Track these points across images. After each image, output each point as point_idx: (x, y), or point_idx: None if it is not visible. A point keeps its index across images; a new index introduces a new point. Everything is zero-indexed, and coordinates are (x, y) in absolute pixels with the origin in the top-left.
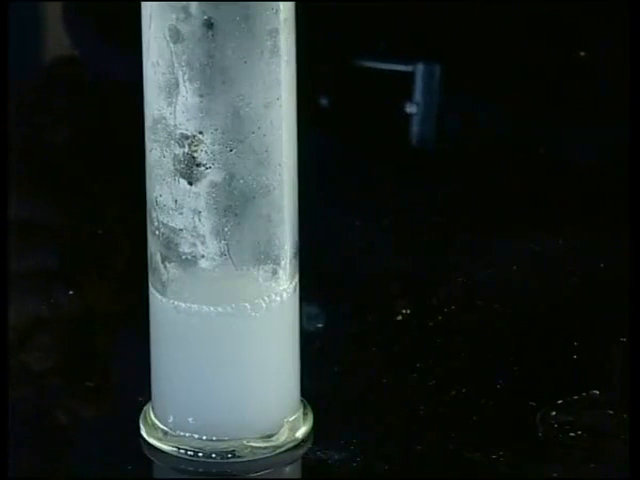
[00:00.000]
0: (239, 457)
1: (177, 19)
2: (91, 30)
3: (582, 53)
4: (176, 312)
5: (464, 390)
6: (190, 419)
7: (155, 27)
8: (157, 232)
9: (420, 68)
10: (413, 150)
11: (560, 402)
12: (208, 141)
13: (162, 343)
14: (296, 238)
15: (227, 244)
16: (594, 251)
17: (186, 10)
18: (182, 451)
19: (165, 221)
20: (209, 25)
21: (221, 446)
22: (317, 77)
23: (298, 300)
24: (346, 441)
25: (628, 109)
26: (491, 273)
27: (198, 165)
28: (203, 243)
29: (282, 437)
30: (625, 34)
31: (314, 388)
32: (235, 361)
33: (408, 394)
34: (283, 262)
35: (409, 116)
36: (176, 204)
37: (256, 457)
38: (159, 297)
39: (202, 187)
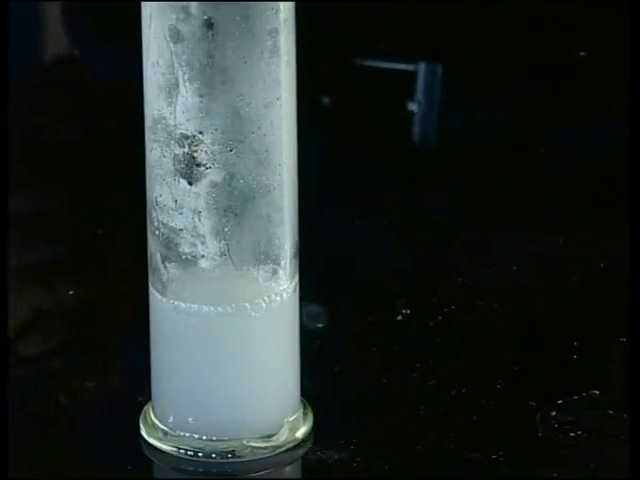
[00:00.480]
0: (239, 457)
1: (177, 19)
2: (90, 30)
3: (582, 53)
4: (176, 312)
5: (464, 390)
6: (190, 419)
7: (155, 27)
8: (157, 232)
9: (422, 67)
10: (413, 150)
11: (560, 402)
12: (208, 141)
13: (162, 343)
14: (296, 238)
15: (227, 244)
16: (594, 251)
17: (186, 10)
18: (182, 451)
19: (165, 221)
20: (209, 25)
21: (221, 446)
22: (319, 76)
23: (298, 300)
24: (346, 441)
25: (628, 109)
26: (491, 273)
27: (198, 165)
28: (203, 243)
29: (282, 437)
30: (625, 34)
31: (314, 388)
32: (235, 361)
33: (408, 394)
34: (283, 262)
35: (411, 115)
36: (176, 204)
37: (256, 457)
38: (159, 297)
39: (202, 187)
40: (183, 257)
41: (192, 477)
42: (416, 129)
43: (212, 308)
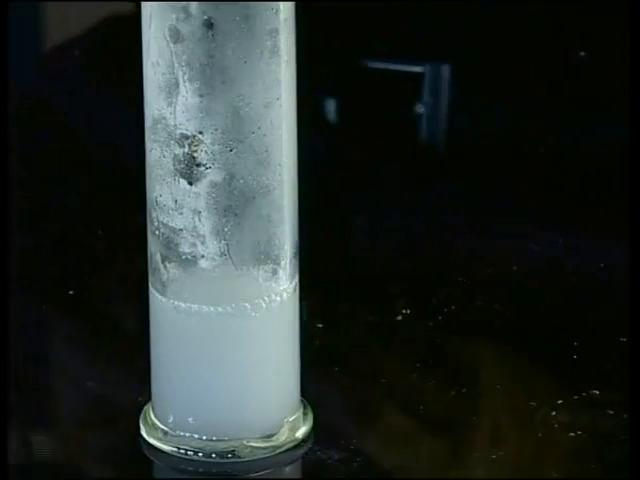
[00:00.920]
0: (239, 457)
1: (177, 19)
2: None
3: (582, 53)
4: (176, 312)
5: (464, 390)
6: (190, 419)
7: (155, 27)
8: (157, 232)
9: (429, 69)
10: (413, 150)
11: (560, 402)
12: (208, 141)
13: (162, 343)
14: (296, 238)
15: (227, 244)
16: (594, 251)
17: (186, 10)
18: (182, 451)
19: (165, 221)
20: (209, 25)
21: (221, 446)
22: (325, 78)
23: (298, 300)
24: (346, 441)
25: (628, 109)
26: (491, 273)
27: (198, 165)
28: (203, 243)
29: (282, 437)
30: (625, 34)
31: (314, 388)
32: (235, 361)
33: (408, 394)
34: (283, 262)
35: (417, 116)
36: (176, 204)
37: (256, 457)
38: (159, 297)
39: (202, 187)
40: (183, 257)
41: (192, 477)
42: (423, 130)
43: (212, 308)
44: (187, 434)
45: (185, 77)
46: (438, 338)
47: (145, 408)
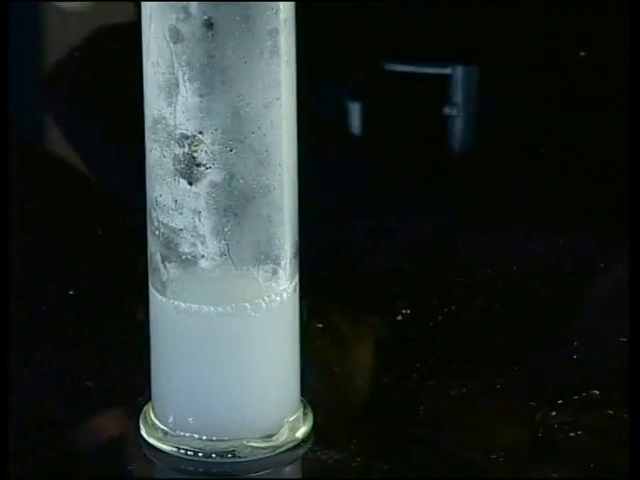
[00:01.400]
0: (239, 457)
1: (177, 19)
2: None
3: (582, 53)
4: (176, 312)
5: (464, 390)
6: (190, 419)
7: (155, 27)
8: (157, 232)
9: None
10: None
11: (560, 402)
12: (208, 141)
13: (162, 343)
14: (296, 238)
15: (227, 244)
16: (594, 251)
17: (186, 10)
18: (182, 451)
19: (165, 221)
20: (209, 25)
21: (221, 446)
22: (351, 81)
23: (298, 300)
24: (346, 441)
25: (628, 109)
26: (491, 273)
27: (198, 165)
28: (203, 243)
29: (282, 437)
30: (625, 34)
31: (314, 388)
32: (235, 361)
33: (408, 394)
34: (283, 262)
35: (445, 118)
36: (176, 204)
37: (256, 457)
38: (159, 297)
39: (202, 187)
40: (183, 257)
41: (192, 477)
42: (454, 132)
43: (212, 308)
44: (187, 434)
45: (185, 77)
46: (438, 338)
47: (145, 408)
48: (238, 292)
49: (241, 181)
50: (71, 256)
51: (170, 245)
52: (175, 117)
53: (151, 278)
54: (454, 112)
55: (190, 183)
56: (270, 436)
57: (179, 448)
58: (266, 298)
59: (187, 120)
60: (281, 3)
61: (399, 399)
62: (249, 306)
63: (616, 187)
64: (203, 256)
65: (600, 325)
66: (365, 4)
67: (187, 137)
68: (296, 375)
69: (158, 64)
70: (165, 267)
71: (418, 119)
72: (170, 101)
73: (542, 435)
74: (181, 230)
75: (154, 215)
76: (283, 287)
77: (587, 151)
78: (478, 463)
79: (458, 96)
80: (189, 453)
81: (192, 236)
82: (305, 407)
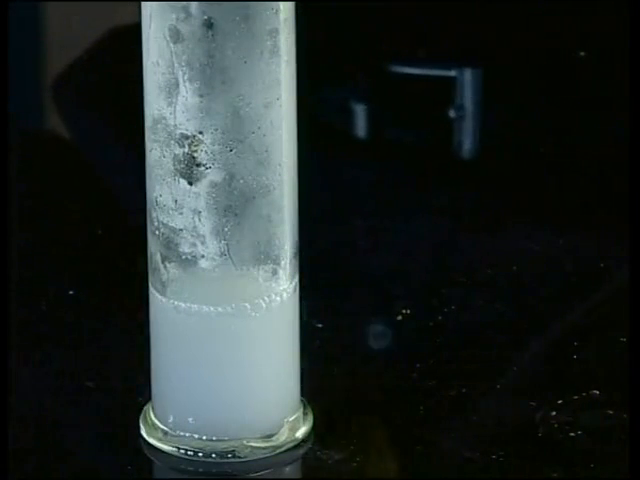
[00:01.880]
0: (239, 457)
1: (177, 19)
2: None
3: (582, 53)
4: (176, 312)
5: (464, 390)
6: (190, 419)
7: (155, 27)
8: (157, 232)
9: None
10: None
11: (560, 402)
12: (208, 141)
13: (162, 343)
14: (296, 238)
15: (227, 244)
16: (594, 251)
17: (186, 10)
18: (182, 451)
19: (165, 221)
20: (209, 25)
21: (221, 446)
22: (356, 83)
23: (298, 300)
24: (346, 441)
25: (628, 109)
26: (491, 273)
27: (198, 165)
28: (203, 243)
29: (282, 437)
30: (625, 34)
31: (314, 388)
32: (235, 361)
33: (408, 394)
34: (283, 262)
35: (451, 120)
36: (176, 204)
37: (256, 457)
38: (159, 297)
39: (202, 187)
40: (183, 257)
41: (192, 477)
42: (457, 136)
43: (212, 308)
44: (187, 434)
45: (185, 77)
46: (438, 338)
47: (145, 408)
48: (238, 292)
49: (241, 181)
50: (71, 256)
51: (170, 245)
52: (175, 117)
53: (151, 278)
54: (459, 114)
55: (190, 183)
56: (270, 436)
57: (179, 448)
58: (266, 298)
59: (187, 120)
60: (281, 3)
61: (399, 399)
62: (249, 306)
63: (616, 187)
64: (203, 256)
65: (600, 325)
66: (371, 5)
67: (187, 137)
68: (296, 375)
69: (158, 64)
70: (165, 267)
71: (422, 121)
72: (170, 101)
73: (542, 435)
74: (181, 230)
75: (154, 215)
76: (283, 287)
77: (587, 151)
78: (478, 463)
79: (463, 98)
80: (189, 453)
81: (192, 236)
82: (305, 407)
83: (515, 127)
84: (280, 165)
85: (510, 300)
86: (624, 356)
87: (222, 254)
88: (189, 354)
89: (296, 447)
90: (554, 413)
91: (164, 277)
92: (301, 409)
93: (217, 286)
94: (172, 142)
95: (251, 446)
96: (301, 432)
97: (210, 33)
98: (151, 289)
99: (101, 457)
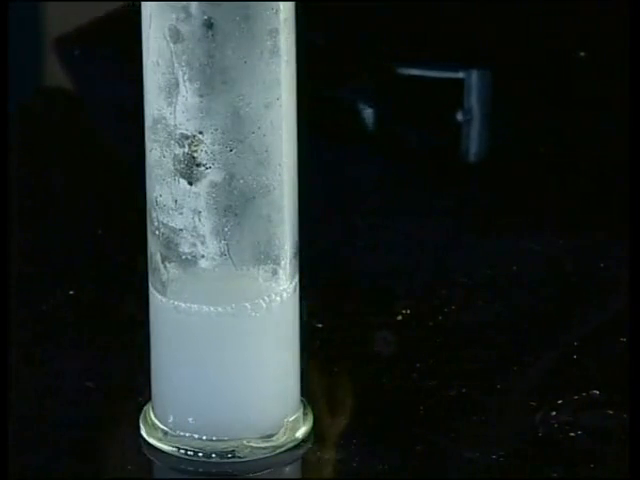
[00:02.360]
0: (239, 457)
1: (177, 19)
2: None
3: (582, 53)
4: (176, 312)
5: (464, 390)
6: (190, 419)
7: (155, 27)
8: (157, 232)
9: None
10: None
11: (560, 402)
12: (208, 141)
13: (162, 343)
14: (296, 238)
15: (227, 244)
16: (594, 251)
17: (186, 10)
18: (182, 451)
19: (165, 221)
20: (209, 25)
21: (221, 446)
22: (365, 85)
23: (298, 300)
24: (346, 441)
25: (628, 109)
26: (491, 273)
27: (198, 165)
28: (203, 243)
29: (282, 437)
30: (625, 34)
31: (314, 388)
32: (235, 361)
33: (408, 394)
34: (283, 262)
35: (459, 123)
36: (176, 204)
37: (256, 457)
38: (159, 297)
39: (202, 187)
40: (183, 257)
41: (192, 477)
42: (466, 138)
43: (212, 308)
44: (187, 434)
45: (185, 77)
46: (438, 338)
47: (145, 408)
48: (238, 292)
49: (241, 181)
50: (71, 256)
51: (170, 245)
52: (175, 117)
53: (151, 278)
54: (466, 118)
55: (190, 183)
56: (270, 436)
57: (179, 448)
58: (266, 298)
59: (187, 120)
60: (281, 3)
61: (399, 399)
62: (249, 306)
63: (616, 187)
64: (203, 256)
65: (600, 325)
66: (378, 5)
67: (187, 137)
68: (296, 375)
69: (158, 64)
70: (165, 267)
71: (428, 122)
72: (170, 101)
73: (542, 435)
74: (181, 230)
75: (154, 215)
76: (283, 287)
77: (587, 151)
78: (478, 463)
79: (470, 100)
80: (189, 453)
81: (192, 236)
82: (305, 407)
83: (520, 129)
84: (280, 165)
85: (510, 300)
86: (624, 356)
87: (222, 254)
88: (189, 354)
89: (296, 447)
90: (554, 413)
91: (164, 277)
92: (301, 409)
93: (217, 286)
94: (172, 142)
95: (251, 446)
96: (301, 432)
97: (210, 33)
98: (151, 289)
99: (101, 457)
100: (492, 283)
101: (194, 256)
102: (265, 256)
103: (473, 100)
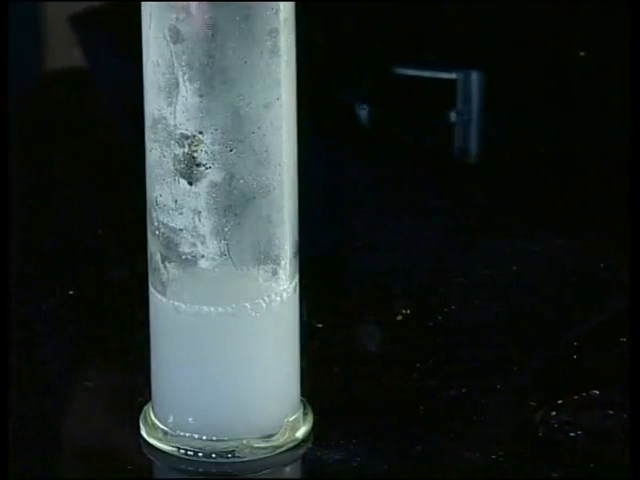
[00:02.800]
0: (239, 457)
1: (177, 19)
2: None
3: (582, 53)
4: (176, 312)
5: (464, 390)
6: (190, 419)
7: (155, 27)
8: (157, 232)
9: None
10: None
11: (560, 402)
12: (208, 141)
13: (162, 343)
14: (296, 238)
15: (227, 244)
16: (594, 251)
17: (186, 10)
18: (182, 451)
19: (165, 221)
20: (209, 25)
21: (221, 446)
22: (358, 84)
23: (298, 300)
24: (346, 441)
25: (628, 109)
26: (491, 273)
27: (198, 165)
28: (203, 243)
29: (282, 437)
30: (625, 34)
31: (314, 388)
32: (235, 361)
33: (408, 394)
34: (283, 262)
35: (451, 124)
36: (176, 204)
37: (256, 457)
38: (159, 297)
39: (202, 187)
40: (183, 257)
41: (192, 477)
42: (457, 138)
43: (212, 308)
44: (187, 434)
45: (185, 77)
46: (438, 338)
47: (145, 408)
48: (238, 292)
49: (241, 181)
50: (71, 256)
51: (170, 245)
52: (175, 117)
53: (151, 278)
54: (460, 118)
55: (190, 183)
56: (270, 436)
57: (179, 448)
58: (266, 298)
59: (187, 120)
60: (281, 3)
61: (399, 399)
62: (249, 306)
63: (616, 187)
64: (203, 256)
65: (600, 325)
66: (372, 6)
67: (187, 137)
68: (296, 375)
69: (158, 64)
70: (165, 267)
71: (423, 123)
72: (170, 101)
73: (542, 435)
74: (181, 230)
75: (154, 215)
76: (283, 287)
77: (587, 152)
78: (478, 463)
79: (464, 101)
80: (189, 453)
81: (192, 236)
82: (305, 407)
83: (516, 129)
84: (280, 165)
85: (510, 300)
86: (624, 356)
87: (222, 254)
88: (189, 354)
89: (296, 447)
90: (554, 413)
91: (164, 277)
92: (301, 409)
93: (217, 286)
94: (172, 142)
95: (251, 446)
96: (301, 432)
97: (210, 33)
98: (151, 289)
99: (101, 457)
100: (492, 283)
101: (194, 256)
102: (265, 256)
103: (474, 99)
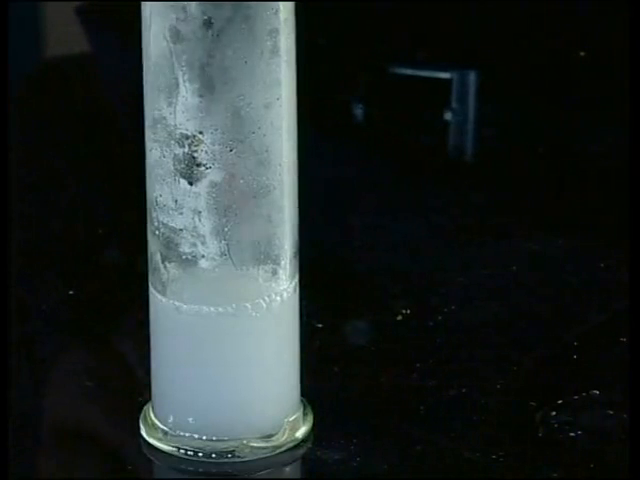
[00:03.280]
0: (239, 457)
1: (177, 19)
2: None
3: (582, 53)
4: (176, 312)
5: (464, 390)
6: (190, 419)
7: (155, 27)
8: (157, 232)
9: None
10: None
11: (560, 402)
12: (208, 141)
13: (162, 343)
14: (296, 238)
15: (227, 244)
16: (594, 251)
17: (186, 10)
18: (182, 451)
19: (165, 221)
20: (209, 25)
21: (221, 446)
22: (353, 84)
23: (298, 300)
24: (346, 441)
25: (628, 109)
26: (491, 273)
27: (198, 165)
28: (203, 243)
29: (282, 437)
30: (625, 34)
31: (314, 388)
32: (235, 361)
33: (408, 394)
34: (283, 262)
35: (446, 123)
36: (176, 204)
37: (256, 457)
38: (159, 297)
39: (202, 187)
40: (183, 257)
41: (192, 477)
42: (451, 137)
43: (212, 308)
44: (187, 434)
45: (185, 77)
46: (438, 338)
47: (145, 408)
48: (238, 292)
49: (241, 181)
50: (71, 256)
51: (170, 245)
52: (175, 117)
53: (151, 278)
54: (455, 117)
55: (190, 183)
56: (270, 436)
57: (179, 448)
58: (266, 298)
59: (187, 120)
60: (281, 3)
61: (399, 399)
62: (249, 306)
63: (616, 188)
64: (203, 256)
65: (600, 325)
66: (368, 6)
67: (187, 137)
68: (296, 375)
69: (158, 64)
70: (165, 267)
71: (419, 122)
72: (170, 101)
73: (542, 435)
74: (181, 230)
75: (154, 215)
76: (283, 287)
77: (586, 152)
78: (478, 463)
79: (459, 100)
80: (189, 453)
81: (192, 236)
82: (305, 407)
83: (512, 128)
84: (280, 165)
85: (510, 300)
86: (624, 356)
87: (222, 254)
88: (189, 354)
89: (296, 447)
90: (554, 413)
91: (164, 277)
92: (301, 409)
93: (217, 286)
94: (172, 142)
95: (251, 446)
96: (301, 432)
97: (210, 33)
98: (151, 289)
99: (101, 457)
100: (492, 283)
101: (194, 256)
102: (265, 256)
103: (470, 99)
